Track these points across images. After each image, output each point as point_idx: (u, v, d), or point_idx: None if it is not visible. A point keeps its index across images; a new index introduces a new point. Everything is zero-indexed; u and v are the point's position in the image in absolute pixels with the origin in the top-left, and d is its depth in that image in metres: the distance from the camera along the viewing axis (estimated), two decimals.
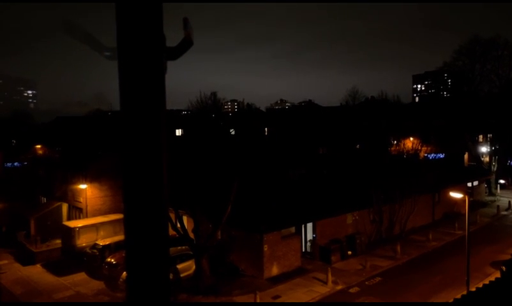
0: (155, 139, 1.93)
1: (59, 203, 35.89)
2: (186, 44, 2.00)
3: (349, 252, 28.12)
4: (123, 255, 21.83)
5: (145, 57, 1.90)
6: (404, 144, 38.20)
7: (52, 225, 33.67)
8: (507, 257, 23.71)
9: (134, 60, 1.90)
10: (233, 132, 33.09)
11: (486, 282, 17.19)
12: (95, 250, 26.61)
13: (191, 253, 24.18)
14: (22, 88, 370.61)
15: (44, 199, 38.40)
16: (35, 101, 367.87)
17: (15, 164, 47.19)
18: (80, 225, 29.78)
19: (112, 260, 24.74)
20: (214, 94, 28.33)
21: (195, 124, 30.80)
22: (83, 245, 28.50)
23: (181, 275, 24.09)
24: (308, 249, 28.60)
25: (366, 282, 24.39)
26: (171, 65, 2.09)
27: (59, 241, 30.85)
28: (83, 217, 32.86)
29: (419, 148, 37.07)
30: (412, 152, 35.79)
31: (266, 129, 64.92)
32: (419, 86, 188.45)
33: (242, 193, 24.18)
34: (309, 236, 28.78)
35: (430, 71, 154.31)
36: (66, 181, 35.32)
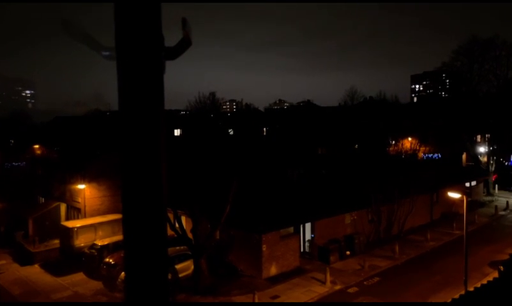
0: (154, 139, 1.93)
1: (57, 203, 35.84)
2: (184, 44, 2.00)
3: (348, 252, 28.15)
4: (121, 255, 21.81)
5: (143, 57, 1.90)
6: (402, 144, 38.29)
7: (50, 226, 33.62)
8: (505, 257, 23.75)
9: (133, 60, 1.90)
10: (231, 132, 33.10)
11: (484, 281, 17.21)
12: (93, 251, 26.58)
13: (190, 253, 24.17)
14: (20, 88, 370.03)
15: (42, 199, 38.34)
16: (33, 100, 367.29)
17: (14, 164, 47.09)
18: (78, 225, 29.74)
19: (111, 260, 24.71)
20: (212, 94, 28.40)
21: (193, 124, 30.80)
22: (82, 245, 28.46)
23: (180, 275, 24.07)
24: (307, 249, 28.62)
25: (365, 282, 24.42)
26: (170, 65, 2.09)
27: (57, 241, 30.81)
28: (82, 217, 32.82)
29: (417, 148, 37.18)
30: (410, 152, 35.89)
31: (265, 129, 65.00)
32: (417, 86, 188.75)
33: (241, 193, 24.19)
34: (308, 236, 28.80)
35: (428, 71, 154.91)
36: (64, 181, 35.26)
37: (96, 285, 24.59)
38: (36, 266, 28.50)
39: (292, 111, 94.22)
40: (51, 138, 56.22)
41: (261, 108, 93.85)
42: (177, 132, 48.39)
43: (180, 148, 26.03)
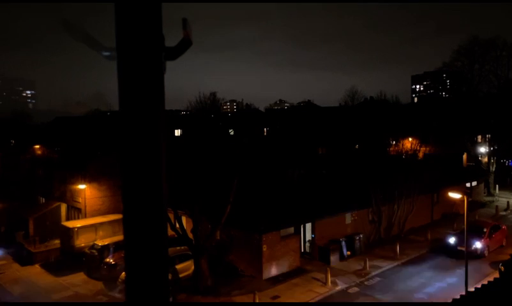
0: (154, 140, 1.93)
1: (57, 203, 35.85)
2: (185, 45, 2.00)
3: (348, 253, 28.13)
4: (122, 255, 21.81)
5: (144, 57, 1.90)
6: (403, 144, 38.21)
7: (51, 226, 33.65)
8: (506, 257, 23.73)
9: (133, 60, 1.90)
10: (232, 133, 33.08)
11: (485, 282, 17.20)
12: (94, 251, 26.59)
13: (190, 253, 24.17)
14: (20, 88, 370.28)
15: (43, 200, 38.36)
16: (34, 101, 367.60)
17: (14, 164, 47.05)
18: (78, 225, 29.76)
19: (111, 260, 24.73)
20: (213, 94, 28.36)
21: (194, 124, 30.79)
22: (82, 245, 28.48)
23: (180, 275, 24.07)
24: (307, 249, 28.60)
25: (365, 282, 24.41)
26: (170, 65, 2.09)
27: (57, 241, 30.83)
28: (82, 217, 32.84)
29: (418, 148, 37.09)
30: (410, 152, 35.81)
31: (265, 129, 64.97)
32: (417, 86, 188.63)
33: (241, 193, 24.19)
34: (308, 236, 28.78)
35: (429, 72, 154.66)
36: (64, 181, 35.28)
37: (97, 285, 24.60)
38: (37, 266, 28.51)
39: (293, 111, 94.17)
40: (51, 138, 56.19)
41: (261, 108, 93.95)
42: (177, 132, 48.39)
43: (181, 148, 26.02)
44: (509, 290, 13.72)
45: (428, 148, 42.26)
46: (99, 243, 27.15)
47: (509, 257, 21.80)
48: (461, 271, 21.55)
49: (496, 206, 41.15)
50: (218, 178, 23.56)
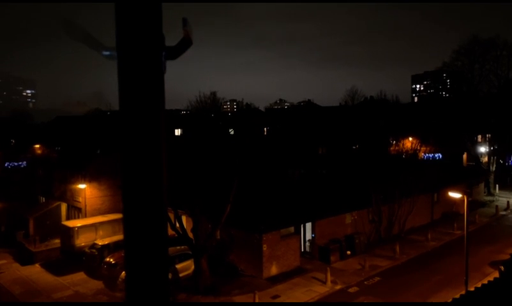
0: (154, 139, 1.93)
1: (58, 203, 35.86)
2: (185, 44, 2.00)
3: (348, 252, 28.13)
4: (122, 255, 21.80)
5: (144, 57, 1.90)
6: (403, 144, 38.20)
7: (51, 225, 33.65)
8: (506, 257, 23.72)
9: (133, 60, 1.90)
10: (232, 132, 33.07)
11: (485, 281, 17.21)
12: (94, 250, 26.60)
13: (190, 253, 24.17)
14: (21, 87, 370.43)
15: (43, 199, 38.36)
16: (34, 100, 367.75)
17: (15, 163, 47.10)
18: (79, 225, 29.76)
19: (111, 260, 24.73)
20: (213, 94, 28.32)
21: (194, 124, 30.78)
22: (82, 244, 28.48)
23: (180, 275, 24.08)
24: (307, 249, 28.61)
25: (365, 282, 24.41)
26: (170, 64, 2.09)
27: (58, 241, 30.83)
28: (82, 217, 32.84)
29: (418, 148, 37.08)
30: (411, 152, 35.80)
31: (265, 128, 64.93)
32: (418, 86, 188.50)
33: (242, 193, 24.18)
34: (308, 235, 28.79)
35: (429, 71, 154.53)
36: (65, 181, 35.28)
37: (97, 284, 24.61)
38: (37, 265, 28.52)
39: (293, 111, 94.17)
40: (52, 137, 56.21)
41: (262, 108, 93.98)
42: (177, 132, 48.40)
43: (181, 147, 26.03)
44: (509, 290, 13.71)
45: (428, 148, 42.23)
46: (100, 242, 27.15)
47: (509, 257, 21.80)
48: None
49: (497, 205, 41.15)
50: (218, 178, 23.56)
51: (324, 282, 23.83)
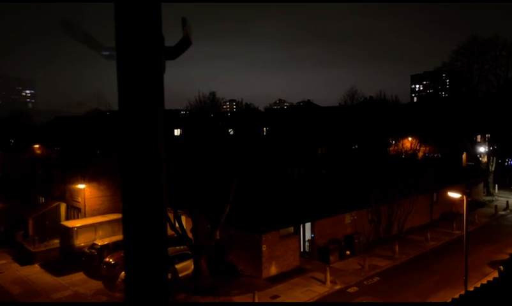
0: (154, 139, 1.93)
1: (57, 203, 35.83)
2: (184, 44, 2.00)
3: (347, 252, 28.14)
4: (121, 255, 21.82)
5: (143, 57, 1.90)
6: (402, 144, 38.24)
7: (50, 225, 33.63)
8: (505, 256, 23.74)
9: (132, 60, 1.90)
10: (232, 132, 33.07)
11: (484, 281, 17.21)
12: (93, 250, 26.59)
13: (190, 253, 24.17)
14: (20, 87, 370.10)
15: (42, 199, 38.34)
16: (33, 100, 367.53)
17: (14, 163, 47.03)
18: (78, 225, 29.74)
19: (111, 260, 24.72)
20: (213, 94, 28.34)
21: (193, 124, 30.77)
22: (82, 245, 28.47)
23: (180, 275, 24.08)
24: (307, 249, 28.61)
25: (365, 282, 24.42)
26: (170, 64, 2.09)
27: (57, 241, 30.80)
28: (82, 217, 32.82)
29: (418, 148, 37.11)
30: (410, 152, 35.84)
31: (265, 128, 64.91)
32: (417, 86, 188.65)
33: (241, 193, 24.18)
34: (308, 236, 28.80)
35: (429, 71, 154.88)
36: (64, 181, 35.26)
37: (96, 284, 24.59)
38: (36, 265, 28.49)
39: (292, 111, 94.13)
40: (51, 137, 56.12)
41: (261, 108, 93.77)
42: (177, 132, 48.34)
43: (181, 148, 26.02)
44: (508, 290, 13.73)
45: (427, 148, 42.27)
46: (99, 242, 27.14)
47: (508, 256, 21.81)
48: None
49: (496, 205, 41.19)
50: (218, 178, 23.56)
51: (324, 282, 23.84)
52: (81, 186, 32.83)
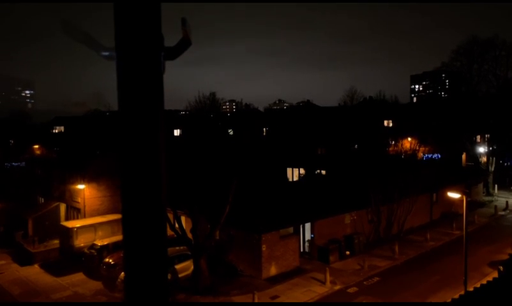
0: (153, 139, 1.93)
1: (57, 203, 35.81)
2: (184, 44, 2.00)
3: (347, 252, 28.14)
4: (121, 255, 21.79)
5: (143, 57, 1.90)
6: (402, 144, 38.26)
7: (50, 226, 33.60)
8: (505, 257, 23.77)
9: (132, 60, 1.90)
10: (231, 133, 33.09)
11: (484, 281, 17.22)
12: (93, 251, 26.57)
13: (190, 253, 24.16)
14: (19, 88, 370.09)
15: (42, 200, 38.31)
16: (33, 101, 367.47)
17: (13, 164, 47.07)
18: (78, 225, 29.72)
19: (110, 260, 24.71)
20: (212, 94, 28.36)
21: (193, 124, 30.78)
22: (82, 245, 28.45)
23: (179, 275, 24.07)
24: (306, 249, 28.61)
25: (364, 282, 24.42)
26: (169, 65, 2.09)
27: (57, 241, 30.79)
28: (82, 217, 32.80)
29: (417, 148, 37.14)
30: (410, 152, 35.85)
31: (264, 129, 64.96)
32: (417, 86, 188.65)
33: (241, 193, 24.18)
34: (308, 236, 28.80)
35: (428, 71, 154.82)
36: (64, 181, 35.24)
37: (96, 285, 24.58)
38: (36, 266, 28.48)
39: (292, 111, 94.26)
40: (51, 138, 56.14)
41: (261, 108, 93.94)
42: (176, 132, 48.35)
43: (180, 148, 26.02)
44: (508, 290, 13.73)
45: (427, 148, 42.31)
46: (99, 243, 27.12)
47: (508, 257, 21.83)
48: None
49: (495, 206, 41.19)
50: (218, 178, 23.56)
51: (323, 282, 23.83)
52: (81, 186, 32.81)
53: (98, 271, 25.08)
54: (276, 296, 22.66)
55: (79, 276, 26.03)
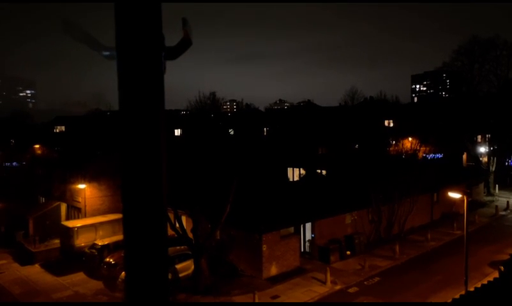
0: (154, 139, 1.93)
1: (57, 203, 35.84)
2: (185, 44, 2.00)
3: (348, 252, 28.14)
4: (122, 255, 21.80)
5: (144, 57, 1.90)
6: (403, 144, 38.20)
7: (51, 225, 33.63)
8: (506, 257, 23.74)
9: (133, 60, 1.90)
10: (232, 132, 33.08)
11: (485, 282, 17.22)
12: (94, 250, 26.60)
13: (190, 253, 24.18)
14: (20, 87, 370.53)
15: (43, 199, 38.34)
16: (34, 100, 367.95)
17: (14, 163, 47.11)
18: (78, 225, 29.75)
19: (111, 260, 24.73)
20: (213, 94, 28.35)
21: (194, 124, 30.78)
22: (82, 245, 28.48)
23: (180, 275, 24.07)
24: (307, 249, 28.61)
25: (365, 282, 24.42)
26: (170, 65, 2.09)
27: (57, 241, 30.82)
28: (82, 217, 32.83)
29: (418, 148, 37.07)
30: (410, 152, 35.79)
31: (265, 129, 64.93)
32: (417, 86, 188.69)
33: (241, 193, 24.19)
34: (308, 236, 28.80)
35: (429, 71, 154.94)
36: (64, 181, 35.26)
37: (97, 285, 24.60)
38: (37, 265, 28.51)
39: (293, 111, 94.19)
40: (51, 137, 56.18)
41: (261, 108, 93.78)
42: (177, 132, 48.36)
43: (181, 148, 26.04)
44: (509, 290, 13.72)
45: (428, 148, 42.24)
46: (99, 242, 27.15)
47: (508, 257, 21.80)
48: None
49: (496, 206, 41.16)
50: (218, 178, 23.56)
51: (324, 282, 23.83)
52: (81, 186, 32.84)
53: (99, 271, 25.10)
54: (277, 296, 22.67)
55: (80, 276, 26.05)
